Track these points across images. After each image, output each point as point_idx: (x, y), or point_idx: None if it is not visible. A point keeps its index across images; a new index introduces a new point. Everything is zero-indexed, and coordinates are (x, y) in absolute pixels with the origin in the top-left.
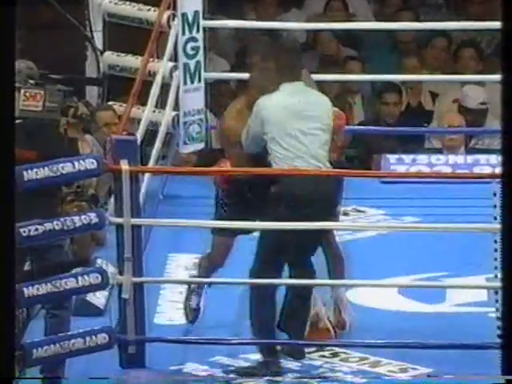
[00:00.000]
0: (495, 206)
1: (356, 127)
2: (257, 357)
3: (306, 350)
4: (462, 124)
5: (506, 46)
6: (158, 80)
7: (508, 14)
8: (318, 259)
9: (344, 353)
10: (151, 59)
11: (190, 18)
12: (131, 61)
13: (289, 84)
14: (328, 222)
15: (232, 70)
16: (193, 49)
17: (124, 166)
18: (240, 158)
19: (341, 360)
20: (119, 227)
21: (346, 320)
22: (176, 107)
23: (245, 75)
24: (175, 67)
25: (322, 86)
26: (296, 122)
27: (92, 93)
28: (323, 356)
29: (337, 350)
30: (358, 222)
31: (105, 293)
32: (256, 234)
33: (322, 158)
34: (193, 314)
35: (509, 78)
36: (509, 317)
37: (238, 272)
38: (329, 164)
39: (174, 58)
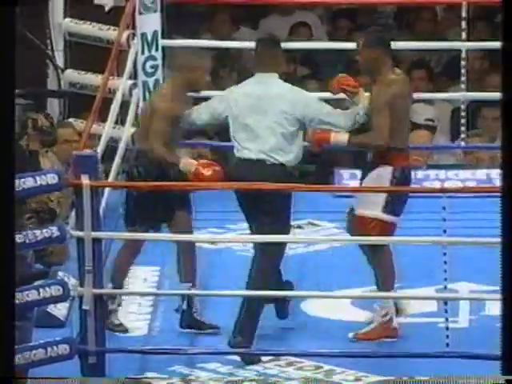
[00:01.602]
0: (444, 220)
1: None
2: (214, 366)
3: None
4: (429, 141)
5: (506, 63)
6: (118, 97)
7: (508, 33)
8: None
9: (299, 362)
10: (111, 77)
11: (149, 38)
12: (92, 78)
13: (258, 74)
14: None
15: None
16: (152, 67)
17: (85, 180)
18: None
19: (296, 369)
20: (80, 240)
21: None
22: (136, 123)
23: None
24: (134, 85)
25: None
26: (252, 113)
27: (53, 109)
28: (279, 365)
29: (292, 359)
30: (312, 236)
31: (66, 304)
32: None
33: (276, 151)
34: (120, 328)
35: (508, 96)
36: (509, 317)
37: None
38: (291, 156)
39: (134, 75)
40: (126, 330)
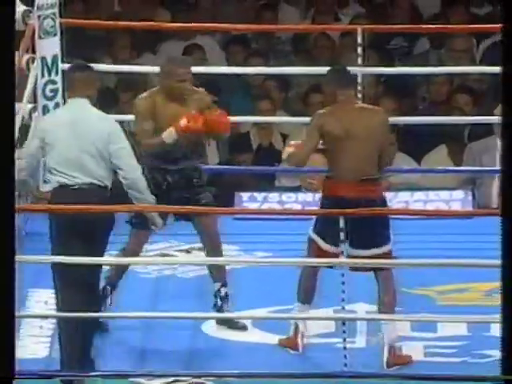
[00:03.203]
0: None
1: (212, 166)
2: None
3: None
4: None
5: (505, 88)
6: (18, 121)
7: (508, 56)
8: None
9: (200, 383)
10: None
11: (49, 61)
12: None
13: (70, 100)
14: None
15: None
16: (52, 91)
17: None
18: None
19: None
20: None
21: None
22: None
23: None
24: (34, 108)
25: None
26: (65, 140)
27: None
28: None
29: (194, 380)
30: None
31: None
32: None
33: (93, 174)
34: None
35: (508, 120)
36: (509, 317)
37: None
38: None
39: (34, 99)
40: None
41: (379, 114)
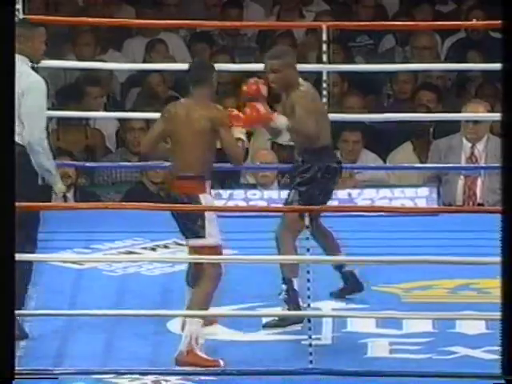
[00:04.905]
0: (307, 238)
1: None
2: None
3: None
4: (274, 161)
5: (506, 86)
6: None
7: (508, 54)
8: None
9: (165, 380)
10: None
11: None
12: None
13: None
14: None
15: (53, 109)
16: None
17: None
18: None
19: None
20: None
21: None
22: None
23: (65, 113)
24: None
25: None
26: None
27: None
28: (145, 383)
29: (159, 377)
30: (177, 255)
31: None
32: None
33: None
34: None
35: (508, 118)
36: (509, 317)
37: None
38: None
39: None
40: None
41: (213, 112)
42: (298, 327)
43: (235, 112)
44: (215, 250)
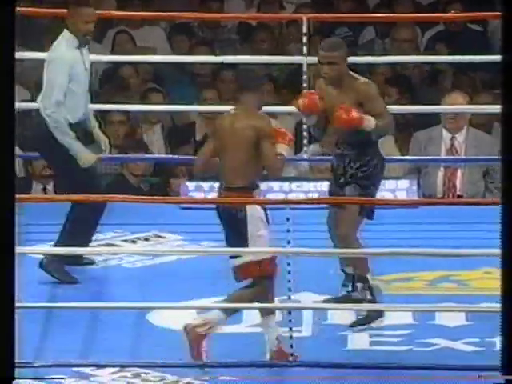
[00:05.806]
0: (288, 231)
1: (156, 155)
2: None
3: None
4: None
5: (505, 76)
6: None
7: (508, 46)
8: None
9: (145, 373)
10: None
11: None
12: None
13: None
14: None
15: (32, 100)
16: None
17: None
18: None
19: (142, 380)
20: None
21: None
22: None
23: None
24: None
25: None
26: None
27: None
28: (124, 377)
29: (139, 370)
30: (158, 247)
31: None
32: None
33: None
34: None
35: (508, 109)
36: (509, 317)
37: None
38: None
39: None
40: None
41: (257, 122)
42: (279, 319)
43: (283, 129)
44: (260, 264)
